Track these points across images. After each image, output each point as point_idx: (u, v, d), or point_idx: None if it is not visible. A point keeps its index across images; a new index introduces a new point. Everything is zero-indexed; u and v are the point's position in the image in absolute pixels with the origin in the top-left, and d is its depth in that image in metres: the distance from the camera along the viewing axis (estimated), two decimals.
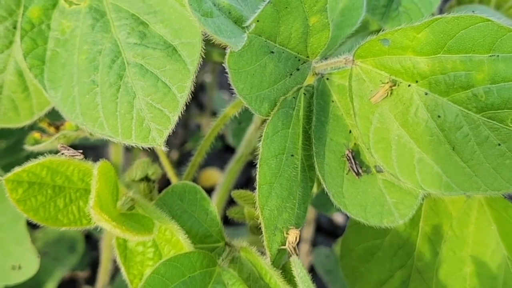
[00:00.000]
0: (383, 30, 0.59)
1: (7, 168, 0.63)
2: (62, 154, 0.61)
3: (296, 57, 0.61)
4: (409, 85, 0.58)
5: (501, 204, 0.68)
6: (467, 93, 0.56)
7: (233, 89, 0.57)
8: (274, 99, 0.61)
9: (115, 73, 0.60)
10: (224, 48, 0.55)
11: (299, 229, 0.60)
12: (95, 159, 0.60)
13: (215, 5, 0.57)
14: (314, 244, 1.33)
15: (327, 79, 0.64)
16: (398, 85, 0.59)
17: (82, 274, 1.28)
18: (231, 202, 0.75)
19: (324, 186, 0.62)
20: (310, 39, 0.61)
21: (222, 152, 1.46)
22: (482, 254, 0.68)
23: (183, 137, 1.51)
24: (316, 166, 0.62)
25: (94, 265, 1.18)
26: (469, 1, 0.92)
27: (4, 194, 0.59)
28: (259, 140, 0.59)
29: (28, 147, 0.71)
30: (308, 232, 1.27)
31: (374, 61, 0.60)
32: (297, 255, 0.59)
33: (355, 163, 0.62)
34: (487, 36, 0.55)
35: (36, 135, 0.72)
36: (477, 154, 0.57)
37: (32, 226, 0.71)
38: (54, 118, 0.71)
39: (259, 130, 0.71)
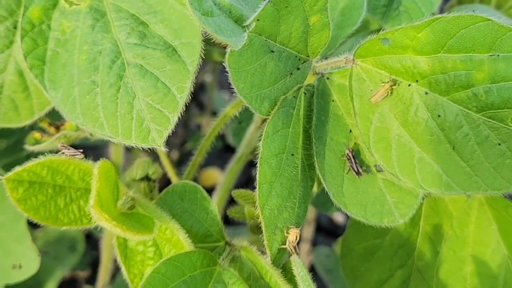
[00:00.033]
0: (383, 30, 0.59)
1: (8, 168, 0.63)
2: (63, 153, 0.61)
3: (296, 57, 0.61)
4: (409, 85, 0.58)
5: (502, 204, 0.68)
6: (467, 93, 0.56)
7: (233, 89, 0.57)
8: (275, 98, 0.61)
9: (115, 73, 0.60)
10: (225, 47, 0.55)
11: (300, 228, 0.60)
12: (96, 158, 0.60)
13: (215, 4, 0.57)
14: (314, 243, 1.33)
15: (328, 78, 0.64)
16: (398, 85, 0.59)
17: (83, 274, 1.28)
18: (231, 201, 0.75)
19: (324, 185, 0.62)
20: (310, 38, 0.61)
21: (222, 152, 1.46)
22: (482, 254, 0.68)
23: (183, 136, 1.51)
24: (316, 166, 0.62)
25: (94, 265, 1.18)
26: (469, 0, 0.92)
27: (4, 193, 0.59)
28: (260, 140, 0.59)
29: (29, 147, 0.71)
30: (308, 231, 1.27)
31: (374, 60, 0.60)
32: (297, 254, 0.59)
33: (355, 163, 0.62)
34: (487, 35, 0.55)
35: (36, 135, 0.72)
36: (477, 153, 0.57)
37: (32, 225, 0.71)
38: (55, 118, 0.71)
39: (259, 130, 0.71)
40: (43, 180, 0.59)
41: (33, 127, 0.72)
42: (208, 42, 0.58)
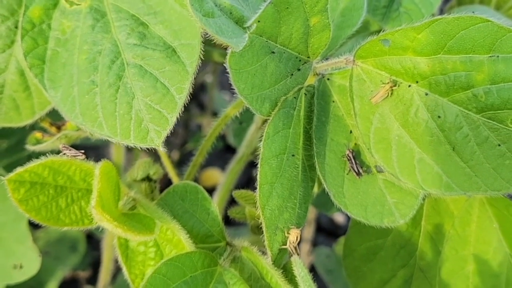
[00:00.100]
0: (383, 31, 0.59)
1: (9, 168, 0.63)
2: (64, 154, 0.61)
3: (297, 58, 0.62)
4: (410, 86, 0.59)
5: (503, 202, 0.68)
6: (467, 94, 0.56)
7: (234, 89, 0.57)
8: (275, 99, 0.61)
9: (114, 73, 0.60)
10: (225, 48, 0.55)
11: (300, 228, 0.61)
12: (97, 159, 0.60)
13: (216, 5, 0.57)
14: (314, 244, 1.33)
15: (328, 79, 0.64)
16: (399, 86, 0.59)
17: (84, 274, 1.28)
18: (232, 202, 0.75)
19: (325, 186, 0.62)
20: (311, 39, 0.61)
21: (223, 152, 1.46)
22: (484, 252, 0.68)
23: (184, 137, 1.51)
24: (317, 166, 0.63)
25: (95, 265, 1.18)
26: (469, 1, 0.92)
27: (6, 193, 0.59)
28: (260, 140, 0.59)
29: (30, 147, 0.71)
30: (309, 232, 1.27)
31: (374, 61, 0.60)
32: (298, 254, 0.59)
33: (356, 163, 0.62)
34: (487, 36, 0.55)
35: (37, 134, 0.72)
36: (477, 154, 0.57)
37: (33, 226, 0.71)
38: (56, 117, 0.71)
39: (260, 130, 0.71)
40: (45, 181, 0.60)
41: (34, 127, 0.72)
42: (208, 43, 0.58)
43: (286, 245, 0.60)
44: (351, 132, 0.63)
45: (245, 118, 0.92)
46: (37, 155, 0.61)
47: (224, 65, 0.56)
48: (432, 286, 0.70)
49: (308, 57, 0.63)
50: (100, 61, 0.60)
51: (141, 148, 0.59)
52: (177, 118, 0.58)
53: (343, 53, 0.63)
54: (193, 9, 0.53)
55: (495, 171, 0.57)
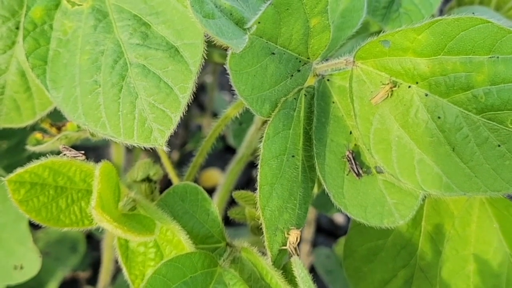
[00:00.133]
0: (383, 32, 0.59)
1: (9, 169, 0.63)
2: (64, 155, 0.61)
3: (297, 59, 0.62)
4: (410, 86, 0.59)
5: (503, 202, 0.68)
6: (467, 94, 0.56)
7: (234, 90, 0.57)
8: (275, 100, 0.61)
9: (117, 73, 0.60)
10: (226, 49, 0.55)
11: (300, 229, 0.61)
12: (97, 159, 0.61)
13: (216, 6, 0.57)
14: (314, 244, 1.33)
15: (328, 80, 0.64)
16: (399, 86, 0.59)
17: (84, 275, 1.28)
18: (232, 202, 0.75)
19: (325, 186, 0.62)
20: (311, 40, 0.61)
21: (223, 153, 1.46)
22: (484, 252, 0.68)
23: (184, 137, 1.51)
24: (316, 167, 0.63)
25: (95, 266, 1.18)
26: (469, 2, 0.92)
27: (6, 194, 0.59)
28: (260, 141, 0.59)
29: (30, 148, 0.71)
30: (309, 232, 1.27)
31: (374, 62, 0.60)
32: (298, 255, 0.59)
33: (356, 164, 0.62)
34: (487, 37, 0.55)
35: (38, 135, 0.72)
36: (477, 155, 0.57)
37: (34, 226, 0.71)
38: (56, 118, 0.71)
39: (260, 131, 0.71)
40: (45, 182, 0.60)
41: (34, 127, 0.72)
42: (209, 43, 0.58)
43: (286, 245, 0.60)
44: (351, 133, 0.63)
45: (245, 119, 0.92)
46: (37, 156, 0.61)
47: (224, 66, 0.56)
48: (433, 286, 0.70)
49: (308, 58, 0.63)
50: (103, 61, 0.60)
51: (142, 148, 0.59)
52: (179, 118, 0.58)
53: (343, 54, 0.63)
54: (194, 10, 0.53)
55: (495, 171, 0.57)
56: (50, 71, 0.62)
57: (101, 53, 0.61)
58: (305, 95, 0.63)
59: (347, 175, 0.63)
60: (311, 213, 1.22)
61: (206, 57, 0.59)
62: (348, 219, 0.72)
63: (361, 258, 0.73)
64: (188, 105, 0.58)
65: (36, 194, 0.59)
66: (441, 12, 0.89)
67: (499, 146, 0.57)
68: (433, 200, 0.69)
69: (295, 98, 0.62)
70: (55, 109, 0.67)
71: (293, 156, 0.61)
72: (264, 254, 0.61)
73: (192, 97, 0.59)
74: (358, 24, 0.69)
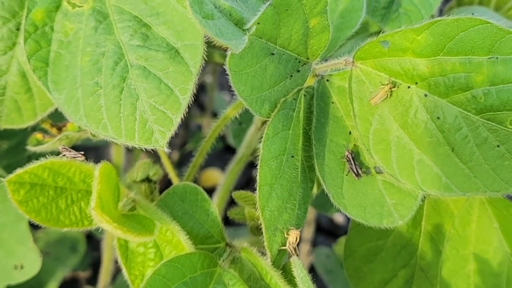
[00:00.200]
0: (383, 32, 0.60)
1: (9, 169, 0.63)
2: (64, 155, 0.62)
3: (296, 59, 0.62)
4: (409, 87, 0.59)
5: (502, 203, 0.68)
6: (466, 95, 0.57)
7: (234, 90, 0.57)
8: (275, 100, 0.61)
9: (118, 75, 0.60)
10: (225, 50, 0.55)
11: (300, 229, 0.61)
12: (97, 160, 0.61)
13: (216, 7, 0.57)
14: (314, 244, 1.33)
15: (327, 80, 0.64)
16: (398, 87, 0.59)
17: (84, 274, 1.28)
18: (231, 202, 0.75)
19: (324, 187, 0.62)
20: (310, 41, 0.61)
21: (222, 153, 1.46)
22: (484, 252, 0.68)
23: (184, 137, 1.51)
24: (316, 167, 0.63)
25: (95, 266, 1.18)
26: (469, 2, 0.92)
27: (6, 195, 0.59)
28: (260, 141, 0.59)
29: (31, 148, 0.72)
30: (309, 232, 1.27)
31: (374, 62, 0.60)
32: (297, 255, 0.59)
33: (355, 164, 0.62)
34: (486, 38, 0.55)
35: (38, 136, 0.72)
36: (476, 155, 0.57)
37: (34, 227, 0.71)
38: (57, 119, 0.71)
39: (259, 131, 0.71)
40: (45, 182, 0.60)
41: (34, 128, 0.72)
42: (209, 44, 0.58)
43: (285, 246, 0.60)
44: (350, 133, 0.63)
45: (245, 119, 0.92)
46: (37, 156, 0.61)
47: (224, 66, 0.56)
48: (433, 286, 0.70)
49: (308, 59, 0.63)
50: (104, 63, 0.60)
51: (143, 149, 0.59)
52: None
53: (342, 54, 0.63)
54: (193, 11, 0.54)
55: (494, 172, 0.57)
56: (51, 73, 0.62)
57: (102, 55, 0.61)
58: (305, 95, 0.63)
59: (346, 175, 0.63)
60: (311, 213, 1.22)
61: (206, 58, 0.59)
62: (348, 219, 0.72)
63: (361, 258, 0.73)
64: (189, 105, 0.59)
65: (35, 194, 0.59)
66: (441, 12, 0.89)
67: (498, 146, 0.57)
68: (433, 200, 0.69)
69: (294, 99, 0.62)
70: (56, 110, 0.67)
71: (292, 157, 0.61)
72: (263, 254, 0.61)
73: (192, 98, 0.59)
74: (358, 24, 0.69)
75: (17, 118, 0.69)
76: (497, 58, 0.55)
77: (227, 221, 0.74)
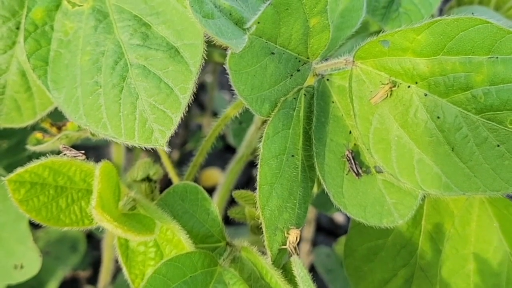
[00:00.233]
0: (383, 32, 0.60)
1: (10, 168, 0.63)
2: (64, 154, 0.62)
3: (296, 58, 0.62)
4: (409, 86, 0.59)
5: (502, 202, 0.68)
6: (466, 95, 0.57)
7: (234, 90, 0.57)
8: (275, 100, 0.61)
9: (118, 74, 0.60)
10: (225, 49, 0.55)
11: (300, 229, 0.61)
12: (97, 159, 0.61)
13: (216, 6, 0.57)
14: (314, 243, 1.33)
15: (327, 80, 0.64)
16: (398, 86, 0.59)
17: (84, 274, 1.28)
18: (232, 202, 0.75)
19: (324, 186, 0.62)
20: (310, 40, 0.61)
21: (223, 152, 1.46)
22: (484, 251, 0.68)
23: (184, 137, 1.51)
24: (316, 167, 0.63)
25: (95, 265, 1.18)
26: (469, 2, 0.92)
27: (6, 194, 0.59)
28: (260, 141, 0.59)
29: (30, 147, 0.72)
30: (309, 231, 1.27)
31: (374, 62, 0.60)
32: (297, 254, 0.59)
33: (355, 164, 0.62)
34: (486, 38, 0.55)
35: (38, 135, 0.72)
36: (476, 155, 0.57)
37: (34, 226, 0.71)
38: (57, 118, 0.71)
39: (259, 131, 0.71)
40: (45, 181, 0.60)
41: (34, 127, 0.72)
42: (209, 43, 0.58)
43: (285, 245, 0.60)
44: (350, 132, 0.63)
45: (245, 118, 0.92)
46: (37, 155, 0.61)
47: (224, 65, 0.56)
48: (433, 285, 0.70)
49: (308, 58, 0.63)
50: (104, 62, 0.61)
51: (143, 148, 0.59)
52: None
53: (342, 54, 0.63)
54: (193, 10, 0.54)
55: (494, 171, 0.57)
56: (51, 72, 0.62)
57: (102, 54, 0.61)
58: (305, 94, 0.63)
59: (346, 174, 0.63)
60: (311, 212, 1.22)
61: (206, 57, 0.59)
62: (348, 218, 0.72)
63: (362, 258, 0.73)
64: (189, 105, 0.59)
65: (36, 193, 0.60)
66: (441, 11, 0.89)
67: (498, 146, 0.57)
68: (433, 199, 0.69)
69: (294, 98, 0.62)
70: (55, 109, 0.67)
71: (292, 156, 0.61)
72: (264, 253, 0.61)
73: (192, 97, 0.59)
74: (358, 24, 0.69)
75: (17, 117, 0.69)
76: (497, 57, 0.55)
77: (228, 221, 0.74)
